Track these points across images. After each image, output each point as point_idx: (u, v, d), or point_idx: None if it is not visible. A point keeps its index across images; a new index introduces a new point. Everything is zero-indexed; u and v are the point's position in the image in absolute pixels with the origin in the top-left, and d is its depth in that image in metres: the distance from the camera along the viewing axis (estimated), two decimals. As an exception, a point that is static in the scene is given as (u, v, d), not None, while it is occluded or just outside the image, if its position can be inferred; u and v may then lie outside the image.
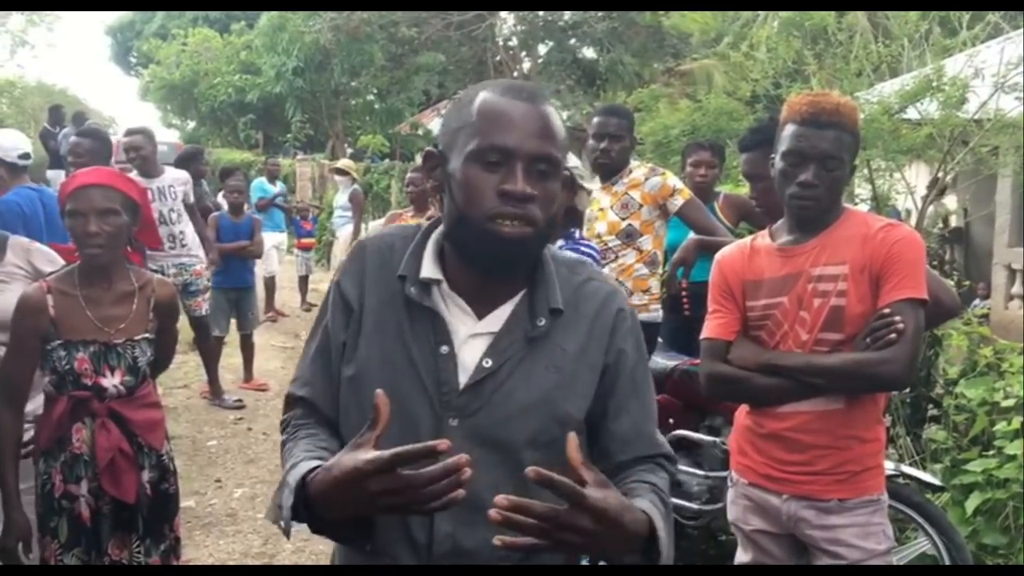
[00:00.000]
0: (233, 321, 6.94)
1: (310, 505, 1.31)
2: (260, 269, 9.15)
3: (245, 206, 7.27)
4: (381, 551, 1.40)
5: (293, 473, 1.35)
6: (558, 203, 1.44)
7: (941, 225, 9.25)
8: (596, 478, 1.26)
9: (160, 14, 27.81)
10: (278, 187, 10.58)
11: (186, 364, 7.11)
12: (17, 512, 2.56)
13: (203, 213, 6.88)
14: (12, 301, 2.62)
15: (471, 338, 1.45)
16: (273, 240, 9.66)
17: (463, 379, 1.43)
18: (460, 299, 1.46)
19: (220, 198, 8.02)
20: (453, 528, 1.39)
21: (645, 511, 1.33)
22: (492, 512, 1.19)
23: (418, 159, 17.03)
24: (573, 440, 1.26)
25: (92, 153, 4.97)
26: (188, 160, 7.25)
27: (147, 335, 2.64)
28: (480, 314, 1.46)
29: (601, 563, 1.35)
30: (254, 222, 7.04)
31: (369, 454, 1.22)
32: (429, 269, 1.46)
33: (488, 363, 1.43)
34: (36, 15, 32.46)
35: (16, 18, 32.68)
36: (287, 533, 1.36)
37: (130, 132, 6.36)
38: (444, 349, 1.43)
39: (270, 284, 9.69)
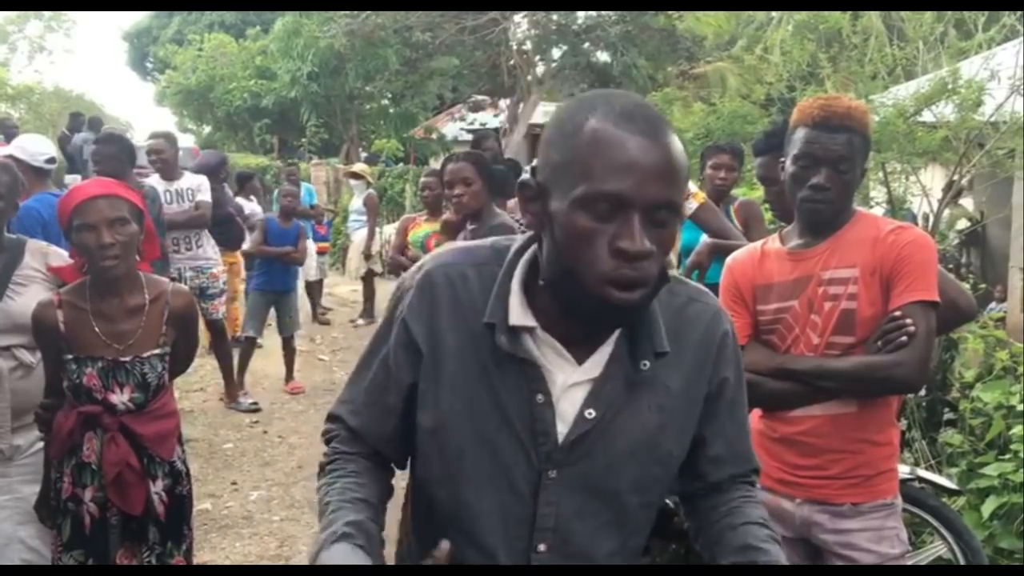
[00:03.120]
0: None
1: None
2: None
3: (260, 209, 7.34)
4: None
5: (332, 537, 1.27)
6: (673, 247, 1.30)
7: (960, 227, 9.21)
8: None
9: (176, 20, 27.99)
10: (303, 194, 10.13)
11: (203, 367, 7.15)
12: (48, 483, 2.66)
13: (225, 219, 6.92)
14: (30, 304, 2.65)
15: (570, 387, 1.32)
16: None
17: (561, 429, 1.32)
18: (556, 343, 1.32)
19: (240, 200, 8.08)
20: None
21: None
22: None
23: (433, 163, 16.95)
24: None
25: (114, 158, 5.02)
26: (215, 169, 7.27)
27: (157, 351, 2.63)
28: (578, 356, 1.33)
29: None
30: (300, 229, 7.10)
31: None
32: (519, 315, 1.30)
33: (591, 414, 1.31)
34: (54, 21, 32.81)
35: (34, 24, 33.04)
36: None
37: (153, 136, 6.48)
38: (539, 398, 1.31)
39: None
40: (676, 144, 1.23)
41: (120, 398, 2.58)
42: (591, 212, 1.19)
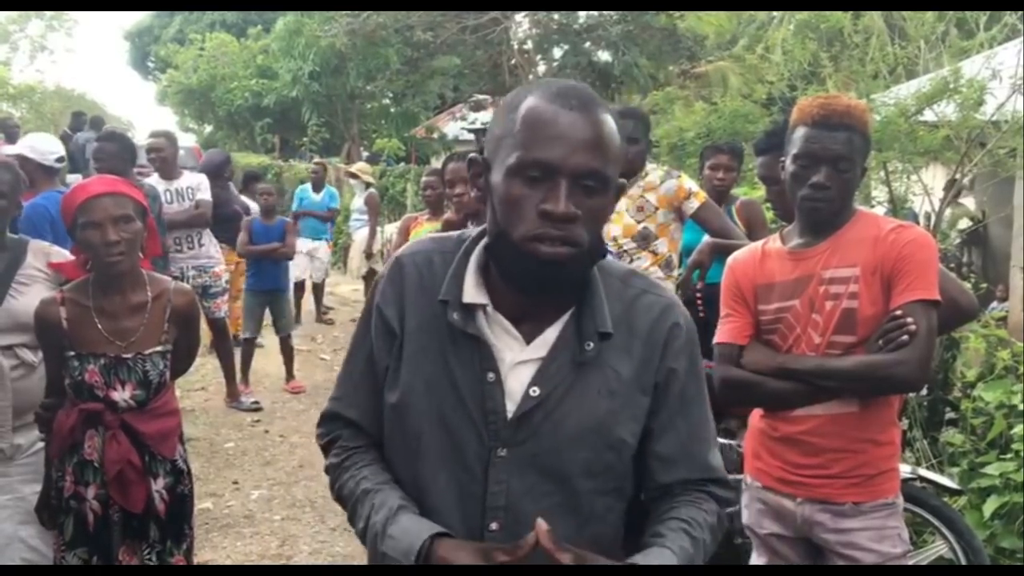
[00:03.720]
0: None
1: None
2: (298, 272, 9.27)
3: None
4: None
5: (408, 531, 1.33)
6: (607, 219, 1.36)
7: (961, 227, 9.21)
8: (575, 557, 1.24)
9: (178, 19, 28.01)
10: (324, 195, 9.97)
11: (204, 366, 7.16)
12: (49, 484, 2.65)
13: (231, 217, 6.92)
14: (33, 304, 2.66)
15: (517, 365, 1.38)
16: (305, 247, 9.60)
17: (510, 407, 1.37)
18: (506, 321, 1.39)
19: (246, 200, 8.08)
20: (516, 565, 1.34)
21: (643, 565, 1.31)
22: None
23: (434, 162, 17.02)
24: (543, 528, 1.24)
25: (115, 156, 5.03)
26: (219, 168, 7.26)
27: (160, 348, 2.63)
28: (527, 335, 1.39)
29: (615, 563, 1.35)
30: (286, 225, 7.09)
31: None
32: (472, 293, 1.38)
33: (535, 392, 1.36)
34: (55, 20, 32.84)
35: (36, 23, 33.08)
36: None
37: (153, 135, 6.49)
38: (490, 376, 1.37)
39: (298, 289, 9.70)
40: (607, 121, 1.32)
41: (122, 395, 2.58)
42: (523, 178, 1.28)
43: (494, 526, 1.37)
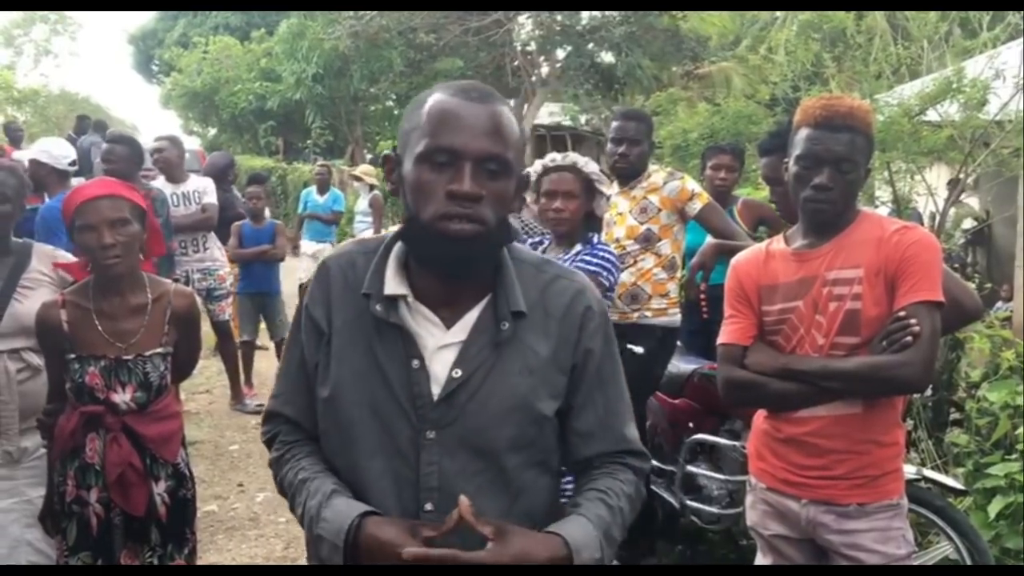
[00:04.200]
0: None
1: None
2: (302, 274, 9.24)
3: (267, 211, 7.32)
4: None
5: (340, 513, 1.42)
6: (511, 203, 1.46)
7: (966, 227, 9.18)
8: (495, 530, 1.34)
9: (181, 22, 28.03)
10: (328, 197, 9.82)
11: (208, 369, 7.17)
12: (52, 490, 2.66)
13: (235, 220, 6.93)
14: (37, 307, 2.66)
15: (440, 349, 1.46)
16: (310, 249, 9.59)
17: (436, 390, 1.44)
18: (427, 310, 1.47)
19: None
20: (442, 540, 1.39)
21: (559, 533, 1.38)
22: None
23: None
24: (465, 503, 1.33)
25: (125, 159, 5.05)
26: (223, 171, 7.28)
27: (160, 350, 2.64)
28: (448, 322, 1.47)
29: (614, 562, 1.37)
30: (276, 227, 7.08)
31: (419, 550, 1.32)
32: (393, 285, 1.47)
33: (458, 373, 1.44)
34: (60, 24, 32.93)
35: (40, 27, 33.19)
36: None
37: (158, 139, 6.51)
38: (415, 363, 1.45)
39: (303, 291, 9.63)
40: (506, 112, 1.43)
41: (122, 397, 2.58)
42: (430, 164, 1.39)
43: (429, 507, 1.44)
